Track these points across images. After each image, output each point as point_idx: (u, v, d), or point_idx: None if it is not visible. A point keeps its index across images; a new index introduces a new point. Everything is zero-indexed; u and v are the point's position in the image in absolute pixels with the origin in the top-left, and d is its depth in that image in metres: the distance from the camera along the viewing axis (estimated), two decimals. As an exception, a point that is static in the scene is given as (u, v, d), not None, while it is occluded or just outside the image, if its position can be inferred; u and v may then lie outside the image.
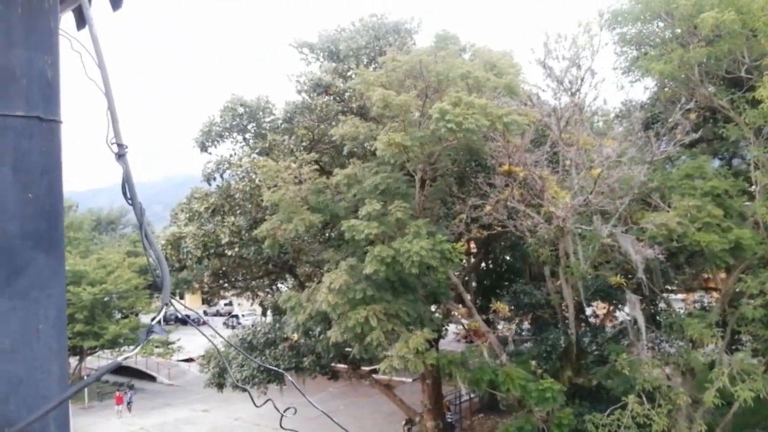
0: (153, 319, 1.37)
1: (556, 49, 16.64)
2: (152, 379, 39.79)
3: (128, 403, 32.58)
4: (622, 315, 20.04)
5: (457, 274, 18.15)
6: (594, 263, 16.06)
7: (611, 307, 20.29)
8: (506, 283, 24.25)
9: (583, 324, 19.05)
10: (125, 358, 1.41)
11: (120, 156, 1.43)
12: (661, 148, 16.13)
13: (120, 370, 38.38)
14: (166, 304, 1.39)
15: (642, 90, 22.12)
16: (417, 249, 13.02)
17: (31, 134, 1.41)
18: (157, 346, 35.42)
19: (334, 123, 18.61)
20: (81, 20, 2.63)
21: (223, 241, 19.04)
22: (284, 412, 1.68)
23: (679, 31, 17.03)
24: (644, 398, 14.24)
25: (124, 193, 1.43)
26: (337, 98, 20.39)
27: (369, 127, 16.12)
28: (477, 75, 14.50)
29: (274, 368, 18.74)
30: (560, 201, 14.80)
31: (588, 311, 21.09)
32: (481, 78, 14.58)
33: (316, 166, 16.94)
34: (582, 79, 16.91)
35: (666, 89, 19.10)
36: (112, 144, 1.44)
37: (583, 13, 42.07)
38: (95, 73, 1.49)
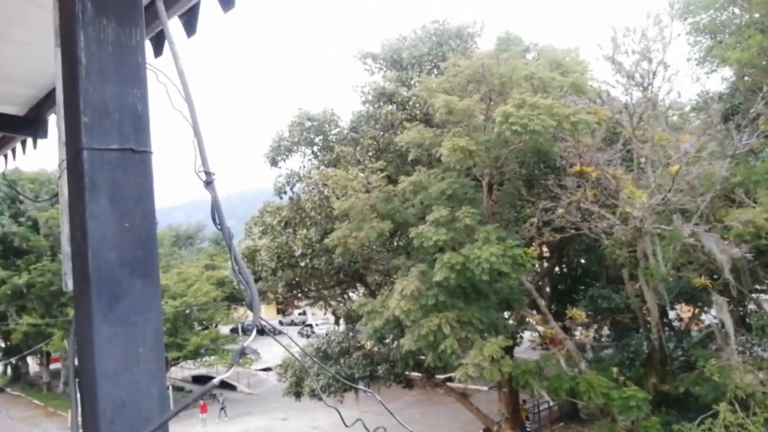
0: (242, 334, 1.40)
1: (624, 44, 16.11)
2: (233, 388, 40.98)
3: (222, 408, 33.94)
4: (708, 318, 19.02)
5: (530, 279, 17.76)
6: (676, 264, 15.34)
7: (696, 310, 19.29)
8: (582, 288, 23.54)
9: (666, 328, 18.22)
10: (222, 378, 1.46)
11: (208, 183, 1.48)
12: (743, 141, 15.28)
13: (203, 379, 39.82)
14: (257, 326, 1.42)
15: (719, 81, 21.03)
16: (487, 255, 12.85)
17: (125, 166, 1.47)
18: (240, 364, 36.40)
19: (398, 131, 18.71)
20: (158, 48, 2.76)
21: (296, 253, 19.46)
22: (374, 431, 1.68)
23: (757, 15, 16.13)
24: (737, 406, 13.43)
25: (213, 219, 1.47)
26: (401, 107, 20.50)
27: (434, 133, 16.08)
28: (541, 75, 14.20)
29: (346, 382, 18.87)
30: (636, 200, 14.26)
31: (671, 315, 20.16)
32: (546, 78, 14.26)
33: (384, 174, 17.04)
34: (654, 73, 16.27)
35: (745, 78, 18.09)
36: (200, 172, 1.49)
37: (652, 4, 40.47)
38: (180, 102, 1.56)
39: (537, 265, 20.05)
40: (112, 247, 1.42)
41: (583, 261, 24.98)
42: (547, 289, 23.87)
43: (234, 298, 42.19)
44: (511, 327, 17.24)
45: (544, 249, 23.34)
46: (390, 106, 20.30)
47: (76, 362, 1.50)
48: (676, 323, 20.02)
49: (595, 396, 14.35)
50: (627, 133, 15.92)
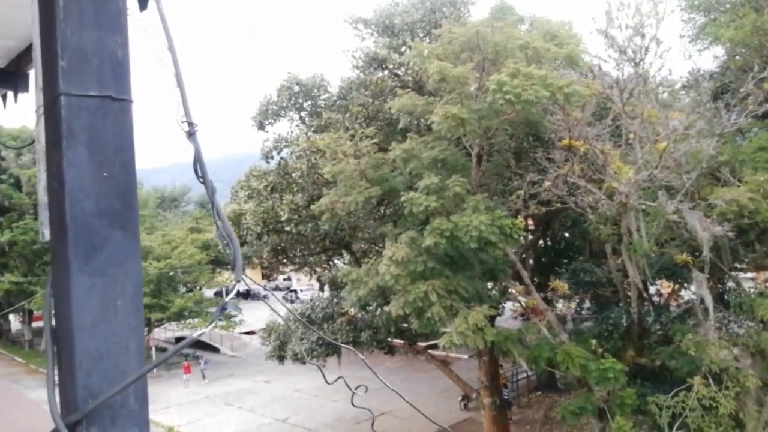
0: (226, 296, 1.38)
1: (618, 18, 15.95)
2: (216, 350, 41.27)
3: (202, 371, 34.28)
4: (688, 294, 19.33)
5: (514, 251, 17.90)
6: (659, 241, 15.49)
7: (676, 286, 19.58)
8: (565, 261, 23.75)
9: (646, 303, 18.49)
10: (200, 334, 1.44)
11: (191, 134, 1.44)
12: (731, 120, 15.31)
13: (185, 341, 40.01)
14: (239, 281, 1.40)
15: (711, 59, 21.01)
16: (476, 223, 12.88)
17: (104, 114, 1.43)
18: (220, 319, 36.65)
19: (389, 99, 18.53)
20: (142, 1, 2.67)
21: (282, 218, 19.41)
22: (356, 389, 1.69)
23: (752, -7, 16.04)
24: (711, 380, 13.76)
25: (196, 171, 1.44)
26: (392, 73, 20.26)
27: (426, 101, 15.93)
28: (536, 45, 14.05)
29: (334, 342, 19.06)
30: (623, 176, 14.31)
31: (652, 290, 20.45)
32: (541, 48, 14.13)
33: (373, 141, 16.93)
34: (646, 49, 16.16)
35: (737, 57, 18.07)
36: (183, 122, 1.45)
37: (649, -22, 40.04)
38: (163, 52, 1.51)
39: (522, 238, 20.19)
40: (89, 197, 1.39)
41: (567, 235, 25.19)
42: (531, 261, 24.08)
43: (219, 262, 42.17)
44: (495, 297, 17.41)
45: (530, 222, 23.49)
46: (381, 73, 20.06)
47: (53, 313, 1.47)
48: (655, 298, 20.31)
49: (573, 367, 14.61)
50: (617, 109, 15.86)
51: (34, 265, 37.57)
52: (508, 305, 24.11)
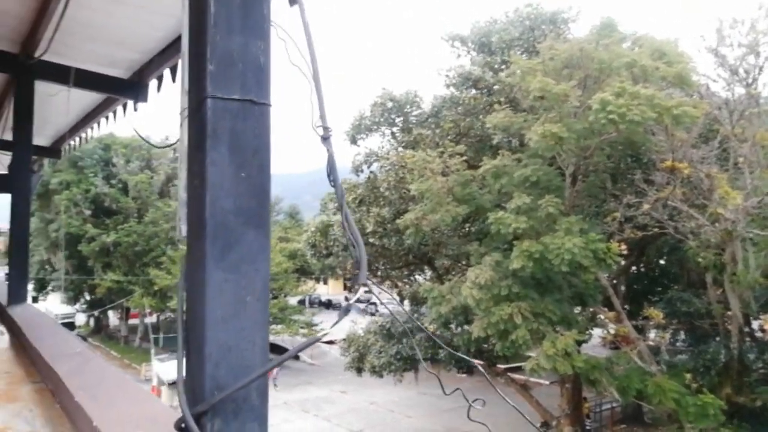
0: (351, 299, 1.40)
1: (730, 36, 15.14)
2: (296, 357, 42.10)
3: (274, 379, 34.85)
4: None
5: (606, 276, 17.19)
6: (766, 272, 14.42)
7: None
8: (659, 289, 22.56)
9: (748, 338, 17.21)
10: (324, 334, 1.46)
11: (325, 138, 1.47)
12: None
13: (270, 347, 41.12)
14: (363, 284, 1.41)
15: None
16: (569, 246, 12.46)
17: (245, 117, 1.48)
18: (302, 327, 37.47)
19: (480, 117, 18.38)
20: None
21: (367, 230, 19.63)
22: (473, 402, 1.65)
23: None
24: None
25: (328, 175, 1.47)
26: (486, 92, 20.12)
27: (523, 118, 15.65)
28: (644, 63, 13.47)
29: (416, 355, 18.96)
30: (730, 202, 13.44)
31: (755, 325, 19.04)
32: (649, 67, 13.53)
33: (463, 158, 16.83)
34: (761, 68, 15.23)
35: None
36: (317, 127, 1.49)
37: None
38: (301, 57, 1.55)
39: (616, 263, 19.30)
40: (228, 196, 1.44)
41: (663, 262, 23.92)
42: (623, 288, 23.02)
43: (304, 271, 43.15)
44: (583, 322, 16.76)
45: (622, 246, 22.46)
46: (474, 91, 19.97)
47: (184, 306, 1.53)
48: (758, 334, 18.88)
49: (666, 400, 13.77)
50: (725, 131, 15.00)
51: (134, 265, 39.92)
52: (596, 332, 23.16)
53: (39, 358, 3.29)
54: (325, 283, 57.54)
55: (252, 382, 1.41)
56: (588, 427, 23.69)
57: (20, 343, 4.18)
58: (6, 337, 4.68)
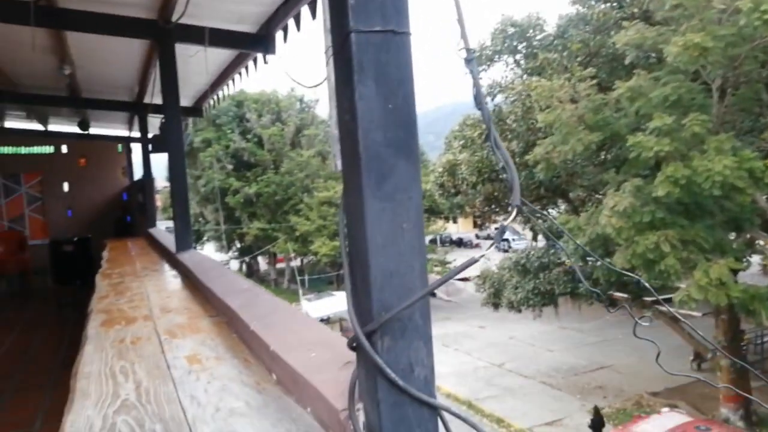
0: (505, 221, 1.41)
1: None
2: (432, 294, 43.00)
3: None
4: None
5: (764, 198, 15.63)
6: None
7: None
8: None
9: None
10: (482, 257, 1.49)
11: (468, 61, 1.46)
12: None
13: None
14: (516, 206, 1.41)
15: None
16: (720, 168, 11.41)
17: (388, 48, 1.50)
18: (435, 265, 38.18)
19: (612, 33, 17.05)
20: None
21: (497, 167, 19.30)
22: (639, 319, 1.62)
23: None
24: None
25: (475, 97, 1.47)
26: (617, 4, 18.57)
27: (657, 32, 14.34)
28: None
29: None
30: None
31: None
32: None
33: (593, 82, 15.82)
34: None
35: None
36: (460, 50, 1.48)
37: None
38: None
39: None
40: (378, 128, 1.48)
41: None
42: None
43: (432, 211, 43.55)
44: (739, 249, 15.49)
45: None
46: (603, 5, 18.51)
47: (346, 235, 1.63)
48: None
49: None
50: None
51: (276, 214, 42.55)
52: (755, 259, 21.31)
53: (212, 295, 3.67)
54: (455, 221, 57.74)
55: (415, 302, 1.49)
56: (749, 360, 22.22)
57: (192, 284, 4.68)
58: (179, 279, 5.24)
